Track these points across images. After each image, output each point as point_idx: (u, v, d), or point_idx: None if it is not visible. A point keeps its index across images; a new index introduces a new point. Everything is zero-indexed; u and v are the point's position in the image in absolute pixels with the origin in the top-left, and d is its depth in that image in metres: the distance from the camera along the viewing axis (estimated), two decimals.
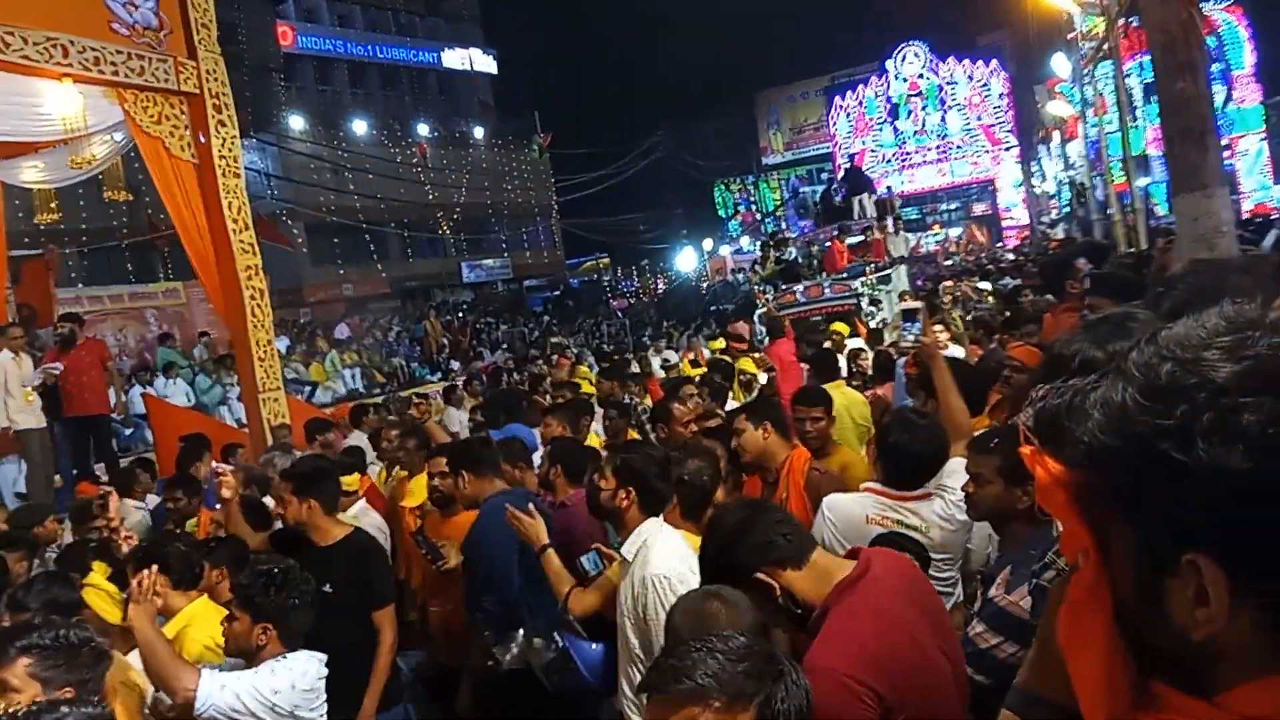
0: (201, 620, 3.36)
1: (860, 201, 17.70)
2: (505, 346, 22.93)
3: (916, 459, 3.13)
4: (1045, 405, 0.84)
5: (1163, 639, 0.79)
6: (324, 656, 2.91)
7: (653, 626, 2.83)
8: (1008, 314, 8.75)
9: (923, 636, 2.00)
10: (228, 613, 3.02)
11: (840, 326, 10.71)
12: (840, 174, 24.29)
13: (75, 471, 8.73)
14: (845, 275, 14.42)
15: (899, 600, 2.03)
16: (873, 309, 13.10)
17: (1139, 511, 0.78)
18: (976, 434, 2.72)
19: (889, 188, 21.96)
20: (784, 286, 14.85)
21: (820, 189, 21.32)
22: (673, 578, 2.85)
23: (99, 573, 3.50)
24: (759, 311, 14.25)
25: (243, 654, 2.90)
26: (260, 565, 2.99)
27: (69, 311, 10.35)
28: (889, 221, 16.83)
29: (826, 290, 13.86)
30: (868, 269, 14.49)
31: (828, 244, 15.84)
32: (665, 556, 2.95)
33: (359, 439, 7.65)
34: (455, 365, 19.27)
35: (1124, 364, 0.78)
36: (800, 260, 16.16)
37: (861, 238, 15.80)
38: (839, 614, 1.96)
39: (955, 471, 3.01)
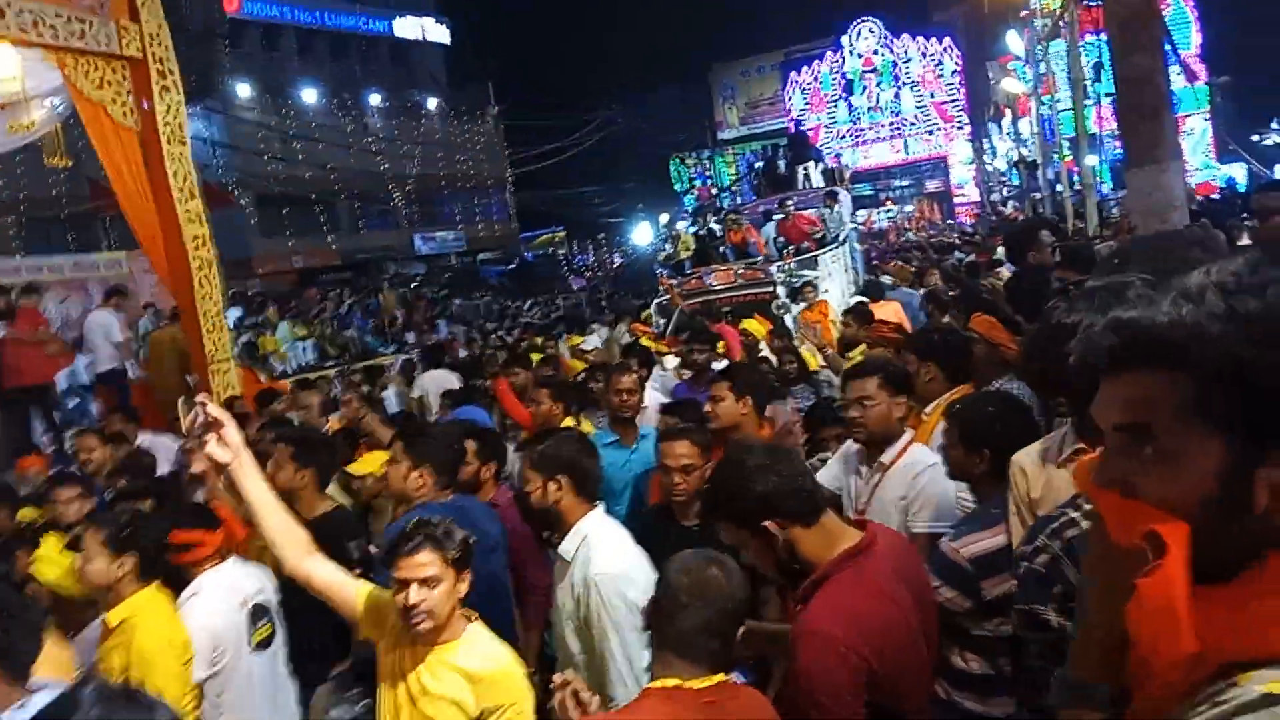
0: (149, 614, 3.10)
1: (805, 170, 16.58)
2: (460, 320, 22.71)
3: None
4: (1127, 314, 0.91)
5: (1235, 532, 0.87)
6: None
7: (595, 629, 2.70)
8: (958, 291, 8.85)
9: (912, 616, 2.04)
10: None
11: (754, 325, 8.74)
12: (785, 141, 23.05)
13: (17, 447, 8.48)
14: (760, 259, 12.57)
15: (895, 578, 2.06)
16: (787, 301, 11.03)
17: (1233, 408, 0.85)
18: (950, 402, 2.79)
19: (839, 156, 20.77)
20: (690, 271, 12.86)
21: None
22: (618, 576, 2.71)
23: (51, 544, 3.40)
24: (658, 299, 12.43)
25: None
26: None
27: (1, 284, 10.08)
28: (800, 191, 14.92)
29: (738, 276, 11.85)
30: (785, 251, 12.75)
31: (776, 218, 13.87)
32: (609, 554, 2.80)
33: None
34: (410, 338, 19.04)
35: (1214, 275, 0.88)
36: (719, 237, 13.90)
37: (782, 215, 13.84)
38: (841, 582, 1.97)
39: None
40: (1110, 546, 0.97)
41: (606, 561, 2.77)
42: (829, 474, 3.41)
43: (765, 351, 7.90)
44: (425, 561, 2.40)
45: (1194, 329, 0.86)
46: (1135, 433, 0.92)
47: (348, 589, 2.67)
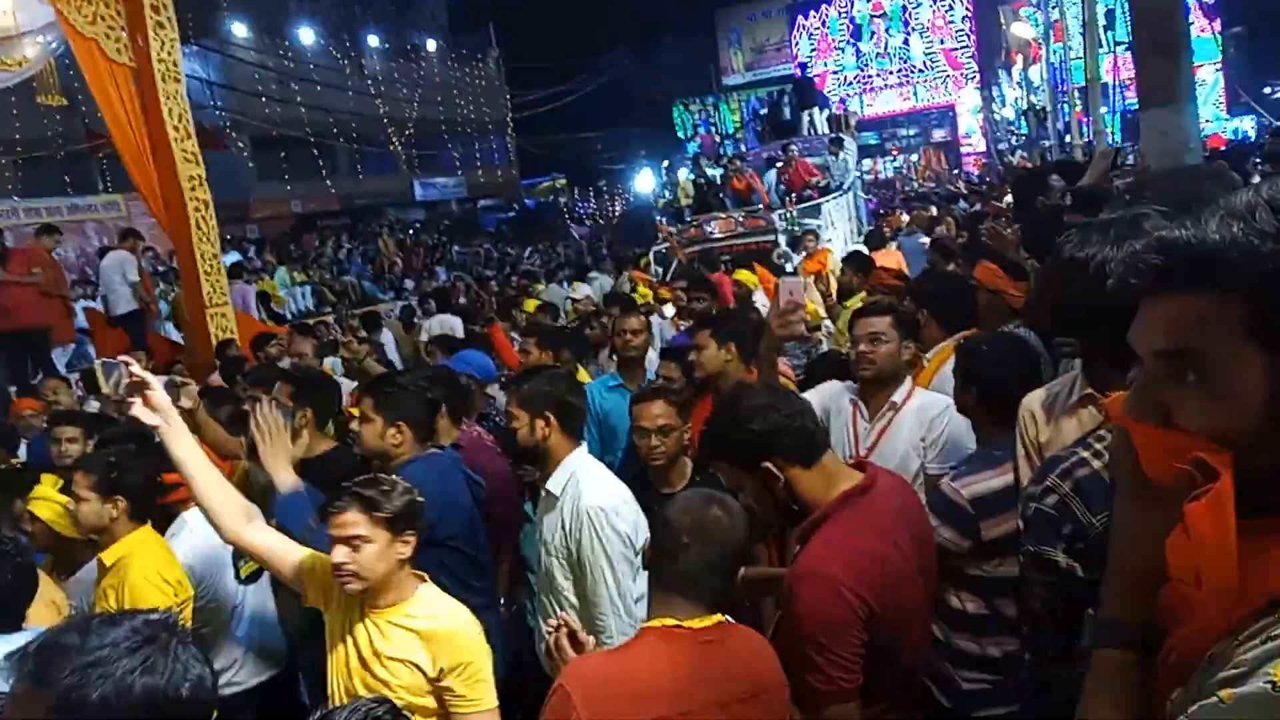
0: (143, 552, 3.10)
1: (810, 116, 16.44)
2: (459, 267, 22.59)
3: None
4: (1170, 233, 0.88)
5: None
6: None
7: (588, 564, 2.69)
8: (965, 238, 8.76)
9: (910, 556, 2.03)
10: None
11: (747, 275, 8.59)
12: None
13: (15, 389, 8.44)
14: (760, 206, 12.42)
15: (895, 518, 2.05)
16: (788, 250, 10.86)
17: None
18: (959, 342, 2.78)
19: (844, 103, 20.45)
20: (690, 219, 12.78)
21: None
22: (608, 509, 2.72)
23: (48, 485, 3.39)
24: (657, 247, 12.29)
25: None
26: None
27: None
28: (804, 138, 14.66)
29: (739, 224, 11.76)
30: (787, 199, 12.51)
31: (780, 165, 13.48)
32: (599, 488, 2.80)
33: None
34: (408, 284, 18.95)
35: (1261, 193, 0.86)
36: (719, 182, 13.66)
37: (784, 161, 13.54)
38: (840, 522, 1.96)
39: None
40: (1141, 481, 0.93)
41: (597, 495, 2.78)
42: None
43: (760, 301, 7.83)
44: (351, 521, 2.33)
45: (1245, 247, 0.83)
46: (1178, 359, 0.88)
47: (289, 555, 2.58)
